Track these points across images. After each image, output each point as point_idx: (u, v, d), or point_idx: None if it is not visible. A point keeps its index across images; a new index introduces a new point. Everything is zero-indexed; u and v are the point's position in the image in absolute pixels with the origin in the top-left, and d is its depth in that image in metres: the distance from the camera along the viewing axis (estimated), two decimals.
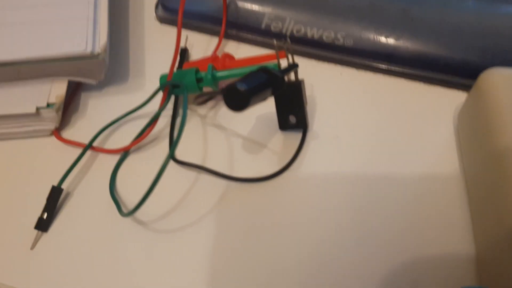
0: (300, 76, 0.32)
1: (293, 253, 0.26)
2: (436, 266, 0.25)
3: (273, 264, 0.25)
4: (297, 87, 0.29)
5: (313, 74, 0.33)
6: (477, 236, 0.26)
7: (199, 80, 0.29)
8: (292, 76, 0.29)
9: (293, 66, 0.28)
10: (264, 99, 0.24)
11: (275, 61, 0.29)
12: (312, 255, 0.26)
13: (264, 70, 0.25)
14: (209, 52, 0.35)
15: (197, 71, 0.30)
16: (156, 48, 0.36)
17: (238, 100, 0.22)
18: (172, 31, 0.37)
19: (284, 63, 0.32)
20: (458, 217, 0.26)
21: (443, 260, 0.25)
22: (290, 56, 0.29)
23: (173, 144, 0.26)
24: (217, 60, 0.31)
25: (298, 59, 0.34)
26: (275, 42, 0.28)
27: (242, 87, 0.22)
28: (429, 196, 0.27)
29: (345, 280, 0.25)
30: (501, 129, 0.24)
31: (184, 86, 0.29)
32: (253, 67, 0.29)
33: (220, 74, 0.29)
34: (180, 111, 0.31)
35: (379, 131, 0.30)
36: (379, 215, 0.27)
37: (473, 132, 0.27)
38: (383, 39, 0.32)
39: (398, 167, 0.29)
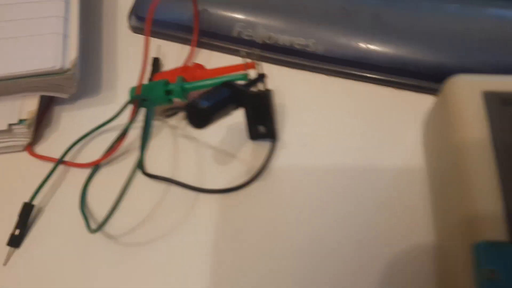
0: (271, 84, 0.33)
1: (264, 261, 0.26)
2: (400, 257, 0.26)
3: (245, 274, 0.26)
4: (265, 98, 0.29)
5: (284, 81, 0.33)
6: (437, 229, 0.27)
7: (168, 93, 0.30)
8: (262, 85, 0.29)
9: (260, 78, 0.28)
10: (227, 114, 0.24)
11: (245, 71, 0.29)
12: (283, 262, 0.26)
13: (228, 84, 0.25)
14: (182, 61, 0.35)
15: (166, 83, 0.30)
16: (129, 58, 0.36)
17: (199, 117, 0.23)
18: (141, 40, 0.37)
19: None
20: (423, 214, 0.27)
21: (407, 252, 0.26)
22: (258, 66, 0.29)
23: (138, 158, 0.26)
24: (188, 71, 0.31)
25: (270, 66, 0.34)
26: (242, 53, 0.28)
27: (203, 104, 0.22)
28: (398, 198, 0.28)
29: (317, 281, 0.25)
30: (463, 136, 0.24)
31: (152, 100, 0.29)
32: (223, 78, 0.29)
33: (189, 85, 0.30)
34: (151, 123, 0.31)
35: (349, 137, 0.30)
36: (349, 218, 0.27)
37: (437, 137, 0.27)
38: (353, 45, 0.32)
39: (368, 173, 0.29)
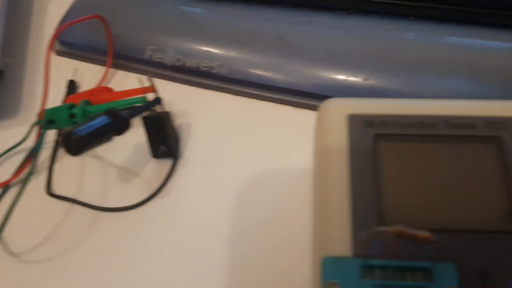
0: (178, 103, 0.35)
1: (164, 275, 0.28)
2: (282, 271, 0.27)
3: None
4: (162, 120, 0.31)
5: (192, 101, 0.35)
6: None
7: (72, 116, 0.31)
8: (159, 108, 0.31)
9: (156, 101, 0.30)
10: (107, 140, 0.26)
11: (143, 95, 0.31)
12: (182, 276, 0.28)
13: (109, 112, 0.27)
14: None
15: (70, 107, 0.32)
16: (51, 80, 0.37)
17: (73, 146, 0.24)
18: (68, 64, 0.38)
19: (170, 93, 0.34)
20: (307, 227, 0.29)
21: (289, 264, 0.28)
22: (156, 90, 0.31)
23: (25, 178, 0.28)
24: (95, 94, 0.33)
25: (180, 87, 0.36)
26: (138, 79, 0.30)
27: (76, 133, 0.24)
28: (290, 211, 0.30)
29: None
30: (324, 155, 0.26)
31: (58, 123, 0.31)
32: (122, 102, 0.31)
33: (91, 109, 0.31)
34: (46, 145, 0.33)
35: (249, 154, 0.32)
36: (244, 235, 0.29)
37: (314, 154, 0.29)
38: (255, 66, 0.34)
39: (265, 187, 0.31)
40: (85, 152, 0.24)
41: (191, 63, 0.35)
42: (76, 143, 0.24)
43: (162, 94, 0.33)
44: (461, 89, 0.32)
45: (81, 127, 0.24)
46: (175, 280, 0.28)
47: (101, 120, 0.26)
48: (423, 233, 0.20)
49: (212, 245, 0.29)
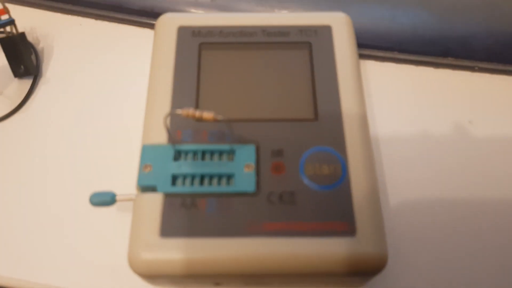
0: (42, 28, 0.36)
1: (23, 188, 0.31)
2: None
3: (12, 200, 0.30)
4: (15, 40, 0.32)
5: (55, 26, 0.37)
6: None
7: None
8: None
9: (9, 22, 0.32)
10: None
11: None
12: (38, 187, 0.31)
13: None
14: None
15: None
16: None
17: None
18: None
19: (34, 19, 0.35)
20: None
21: None
22: (9, 12, 0.32)
23: None
24: None
25: (44, 13, 0.37)
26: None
27: None
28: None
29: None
30: (155, 62, 0.29)
31: None
32: None
33: None
34: None
35: (107, 76, 0.35)
36: (100, 147, 0.32)
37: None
38: None
39: (122, 108, 0.34)
40: None
41: None
42: None
43: (27, 20, 0.35)
44: (301, 5, 0.35)
45: None
46: (37, 193, 0.30)
47: None
48: (207, 114, 0.23)
49: (71, 158, 0.31)
